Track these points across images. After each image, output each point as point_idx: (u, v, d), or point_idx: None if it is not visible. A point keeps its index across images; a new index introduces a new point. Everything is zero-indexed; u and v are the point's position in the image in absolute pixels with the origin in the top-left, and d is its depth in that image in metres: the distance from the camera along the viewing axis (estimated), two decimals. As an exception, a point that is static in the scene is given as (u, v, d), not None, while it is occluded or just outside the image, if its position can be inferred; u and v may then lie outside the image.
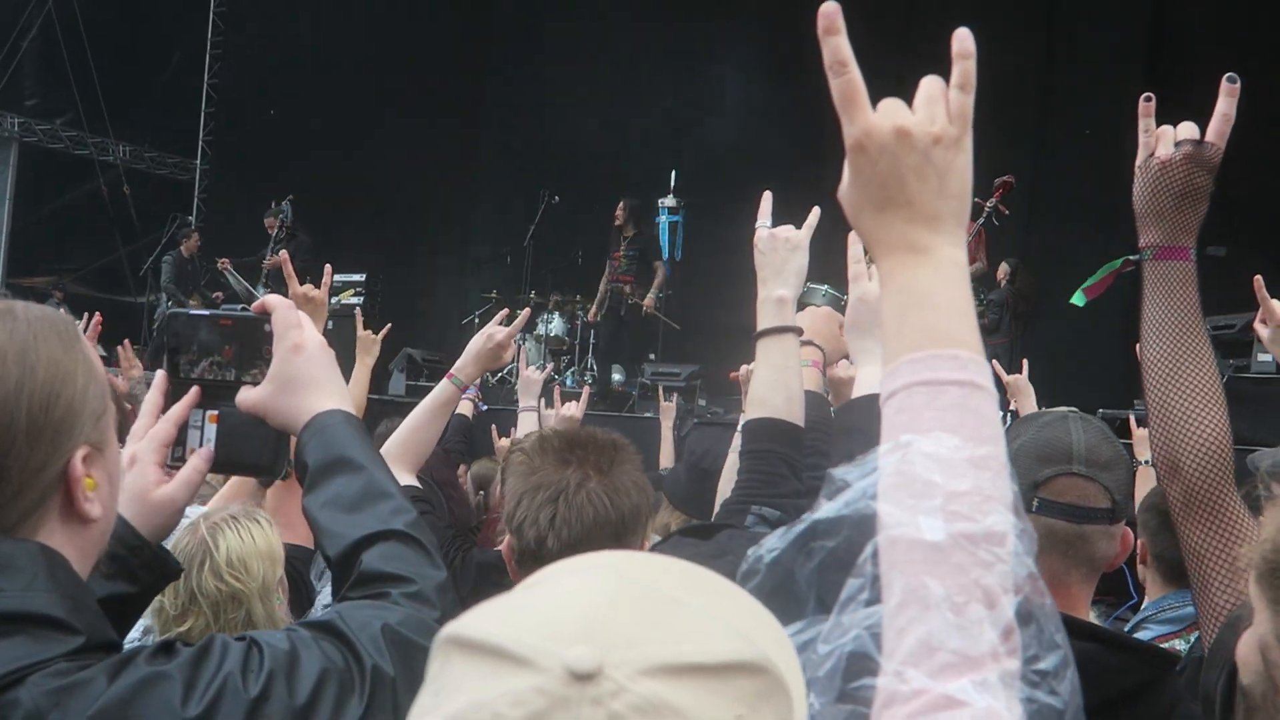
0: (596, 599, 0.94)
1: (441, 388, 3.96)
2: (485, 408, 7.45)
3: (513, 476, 2.52)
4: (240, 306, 2.01)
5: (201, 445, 1.96)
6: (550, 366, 11.89)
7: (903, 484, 1.24)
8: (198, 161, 19.04)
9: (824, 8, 1.32)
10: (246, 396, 1.92)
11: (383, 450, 3.81)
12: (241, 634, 1.77)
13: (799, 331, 2.59)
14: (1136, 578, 3.34)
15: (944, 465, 1.23)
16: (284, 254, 4.85)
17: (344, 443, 1.88)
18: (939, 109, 1.37)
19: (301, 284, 4.11)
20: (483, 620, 0.95)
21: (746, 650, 0.93)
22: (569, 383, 14.20)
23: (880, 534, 1.23)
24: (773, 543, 1.34)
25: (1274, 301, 5.22)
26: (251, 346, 1.96)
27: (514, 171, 17.21)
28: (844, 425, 2.12)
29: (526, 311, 4.66)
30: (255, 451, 1.99)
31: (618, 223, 14.25)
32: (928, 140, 1.35)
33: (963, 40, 1.39)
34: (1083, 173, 14.24)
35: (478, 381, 6.88)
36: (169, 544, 3.03)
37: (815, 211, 2.68)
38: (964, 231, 1.41)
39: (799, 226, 2.70)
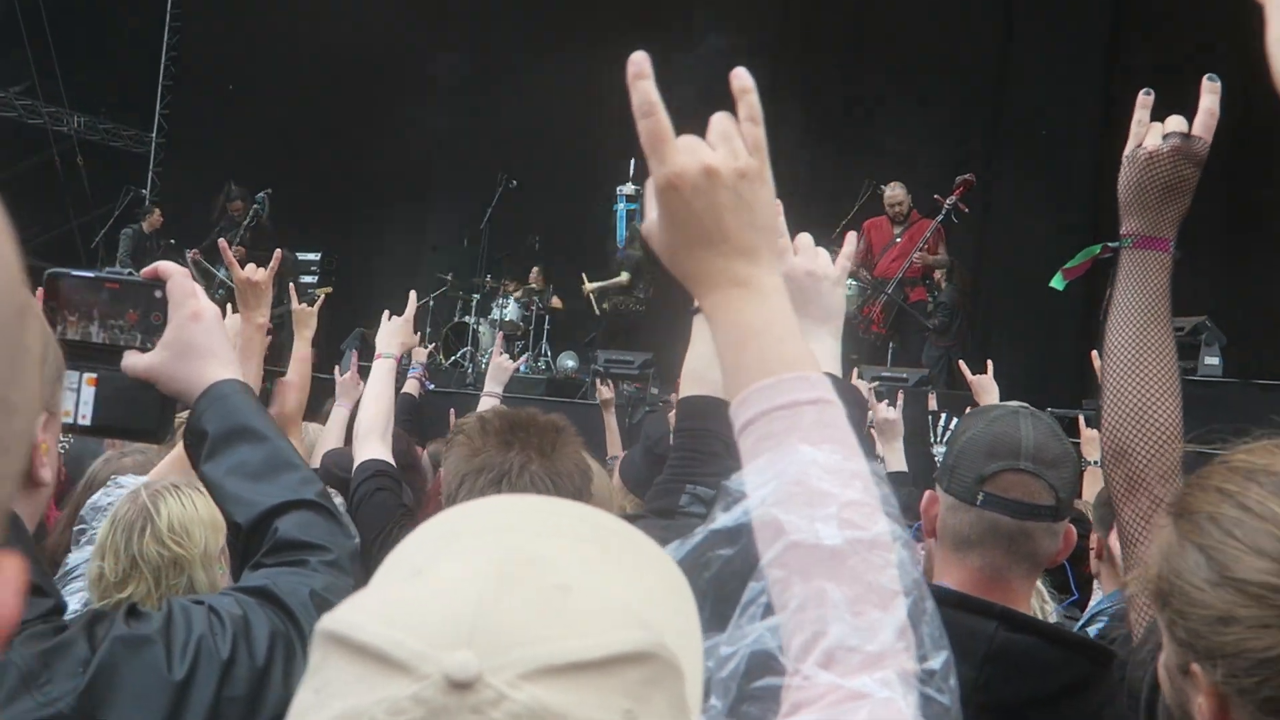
0: (478, 593, 0.91)
1: (379, 364, 4.33)
2: (432, 386, 7.42)
3: (454, 457, 2.52)
4: (127, 271, 2.00)
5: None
6: (525, 357, 11.91)
7: (800, 493, 1.29)
8: (153, 135, 18.86)
9: (634, 56, 1.36)
10: (137, 361, 1.91)
11: (357, 427, 3.93)
12: (196, 597, 1.79)
13: None
14: (1078, 574, 3.38)
15: (834, 475, 1.30)
16: (222, 242, 4.88)
17: (245, 412, 1.91)
18: (737, 144, 1.41)
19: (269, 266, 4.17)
20: (363, 617, 0.92)
21: (634, 638, 0.91)
22: (523, 369, 14.17)
23: (779, 540, 1.28)
24: (670, 552, 1.33)
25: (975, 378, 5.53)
26: (121, 310, 1.93)
27: (473, 154, 17.15)
28: None
29: (413, 294, 5.03)
30: (139, 416, 1.96)
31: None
32: (734, 176, 1.39)
33: (740, 78, 1.43)
34: (1038, 172, 14.33)
35: (424, 362, 6.92)
36: (110, 511, 3.04)
37: None
38: (777, 256, 1.46)
39: None
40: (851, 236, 2.31)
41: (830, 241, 2.37)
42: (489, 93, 16.99)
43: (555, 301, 15.27)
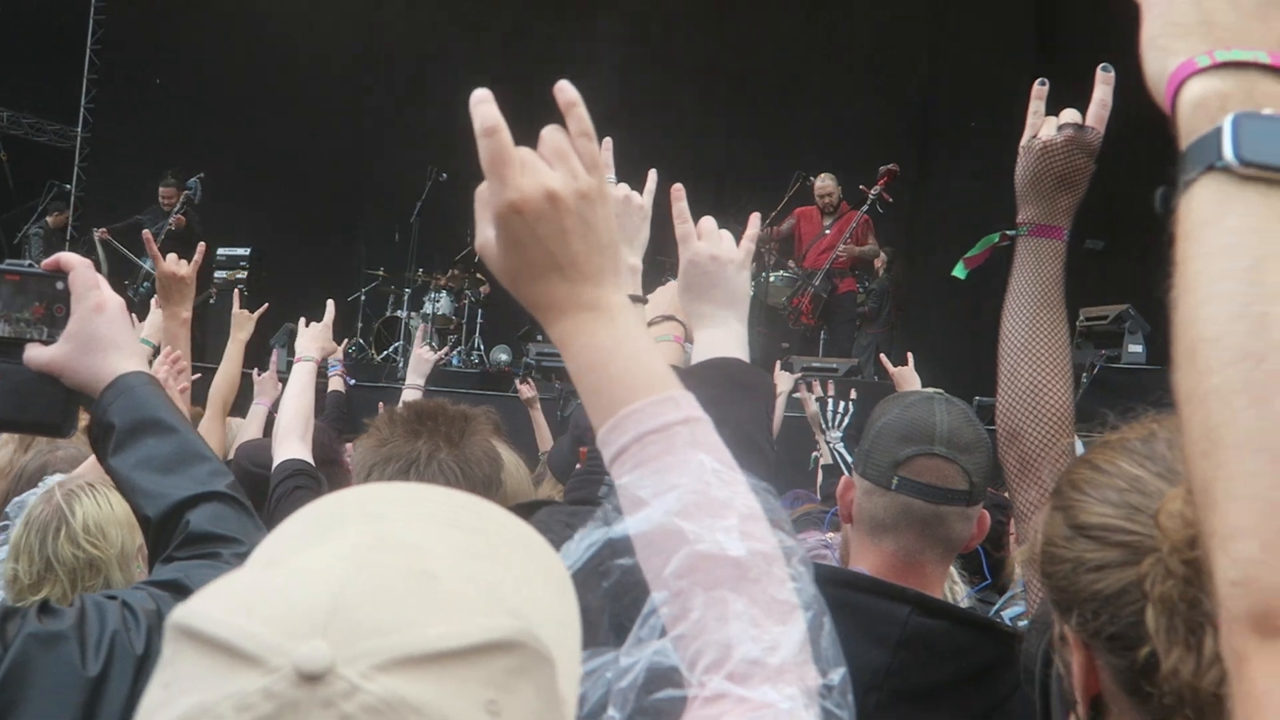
0: (337, 581, 0.88)
1: (298, 367, 4.33)
2: (353, 381, 7.38)
3: (361, 448, 2.51)
4: (27, 263, 1.96)
5: None
6: (446, 350, 11.82)
7: (703, 503, 1.29)
8: (79, 129, 18.58)
9: (476, 91, 1.35)
10: (40, 354, 1.88)
11: (276, 428, 3.92)
12: (109, 592, 1.78)
13: (645, 301, 2.59)
14: (992, 559, 3.41)
15: (731, 484, 1.31)
16: (146, 234, 4.85)
17: (152, 405, 1.89)
18: (574, 163, 1.38)
19: (193, 260, 4.17)
20: (214, 607, 0.88)
21: (500, 626, 0.88)
22: (455, 362, 14.11)
23: (683, 549, 1.27)
24: (567, 561, 1.33)
25: (897, 370, 5.62)
26: (25, 303, 1.90)
27: (403, 148, 17.04)
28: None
29: (331, 303, 5.02)
30: (42, 409, 1.93)
31: None
32: (576, 198, 1.36)
33: (564, 91, 1.41)
34: (967, 164, 14.46)
35: (341, 358, 6.90)
36: (24, 511, 3.00)
37: (652, 175, 2.62)
38: (622, 274, 1.44)
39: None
40: (755, 218, 2.29)
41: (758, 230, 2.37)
42: (419, 85, 16.90)
43: (485, 289, 15.14)
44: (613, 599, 1.31)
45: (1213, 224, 0.98)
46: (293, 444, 3.86)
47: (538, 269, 1.38)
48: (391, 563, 0.91)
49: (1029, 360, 2.27)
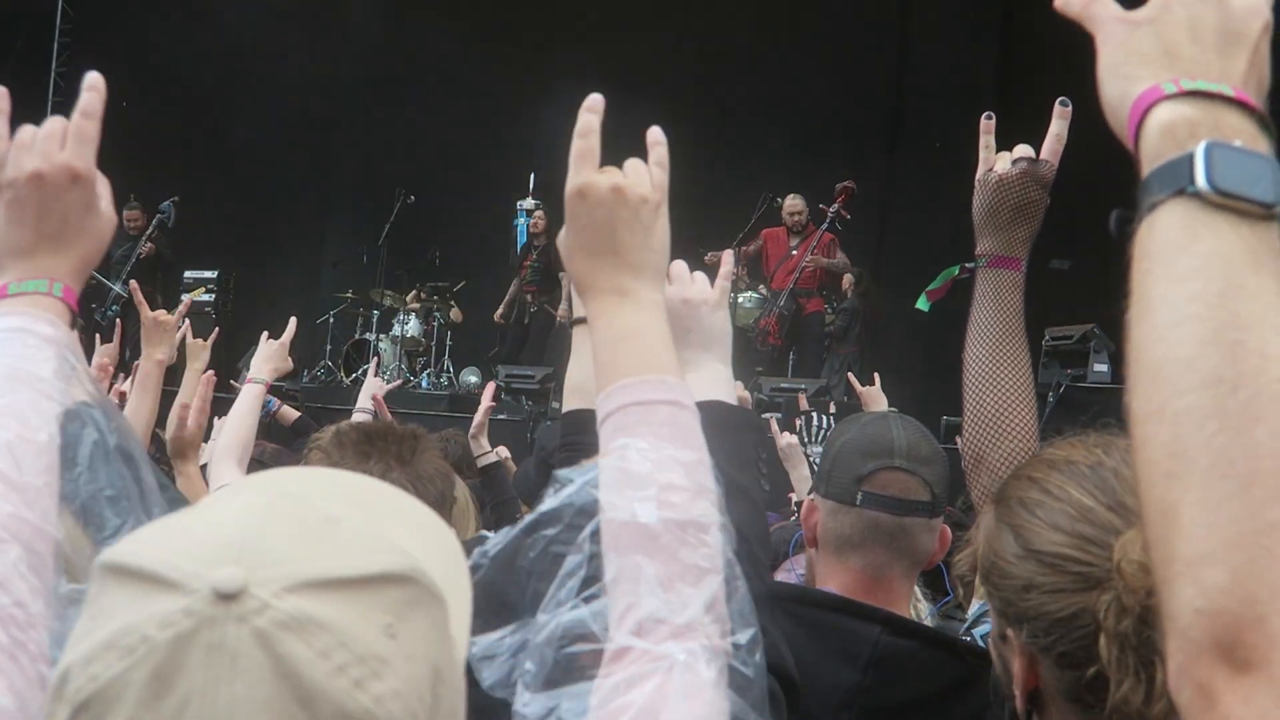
0: (249, 520, 0.99)
1: (247, 389, 4.22)
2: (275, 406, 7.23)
3: None
4: None
5: None
6: (399, 382, 11.74)
7: (622, 477, 1.41)
8: (44, 152, 18.45)
9: (594, 96, 1.62)
10: None
11: (214, 450, 3.85)
12: None
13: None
14: (953, 575, 3.41)
15: (657, 463, 1.42)
16: (134, 284, 4.84)
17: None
18: (645, 178, 1.63)
19: (159, 278, 4.17)
20: (137, 545, 0.99)
21: (396, 562, 0.99)
22: (424, 385, 14.08)
23: (600, 517, 1.39)
24: (497, 539, 1.46)
25: (864, 390, 5.64)
26: None
27: (371, 170, 17.02)
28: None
29: (294, 320, 4.86)
30: None
31: (534, 230, 14.20)
32: (637, 199, 1.59)
33: (654, 133, 1.67)
34: (933, 184, 14.54)
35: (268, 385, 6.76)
36: None
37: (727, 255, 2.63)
38: (663, 281, 1.66)
39: None
40: (728, 255, 2.29)
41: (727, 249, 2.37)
42: (387, 105, 16.89)
43: (455, 314, 15.14)
44: (538, 567, 1.40)
45: (1181, 248, 0.98)
46: (230, 468, 3.74)
47: (588, 249, 1.59)
48: (296, 509, 1.03)
49: (993, 389, 2.32)
